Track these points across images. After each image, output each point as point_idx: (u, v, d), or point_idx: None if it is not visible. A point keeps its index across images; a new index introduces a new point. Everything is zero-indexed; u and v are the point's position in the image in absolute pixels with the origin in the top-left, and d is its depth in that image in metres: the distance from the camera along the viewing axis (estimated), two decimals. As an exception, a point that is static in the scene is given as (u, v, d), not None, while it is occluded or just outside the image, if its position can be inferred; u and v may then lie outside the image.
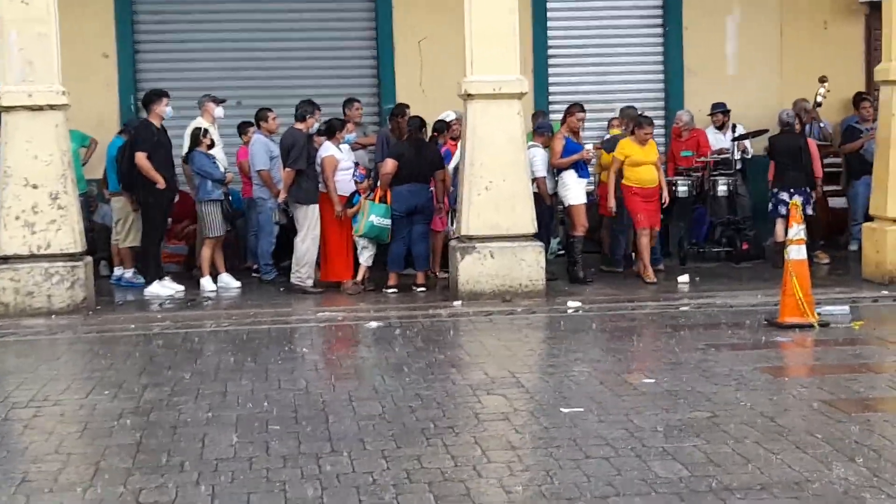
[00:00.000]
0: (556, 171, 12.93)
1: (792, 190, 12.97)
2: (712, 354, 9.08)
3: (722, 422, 7.01)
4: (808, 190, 13.17)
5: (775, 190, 13.23)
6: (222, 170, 12.84)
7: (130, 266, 13.32)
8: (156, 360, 9.42)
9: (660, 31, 15.84)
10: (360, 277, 12.65)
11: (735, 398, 7.60)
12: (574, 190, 12.78)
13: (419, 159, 12.47)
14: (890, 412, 7.41)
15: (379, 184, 12.53)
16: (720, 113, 14.90)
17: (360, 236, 12.49)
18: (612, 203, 12.77)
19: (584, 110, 13.27)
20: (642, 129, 12.68)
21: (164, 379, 8.63)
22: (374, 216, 12.36)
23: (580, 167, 12.83)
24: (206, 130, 12.87)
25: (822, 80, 14.15)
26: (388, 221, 12.39)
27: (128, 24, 15.04)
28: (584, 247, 13.03)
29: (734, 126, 14.87)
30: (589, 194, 13.27)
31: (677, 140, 14.71)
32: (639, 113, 13.45)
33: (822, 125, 14.83)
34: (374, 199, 12.43)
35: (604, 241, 13.99)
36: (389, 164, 12.42)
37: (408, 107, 13.87)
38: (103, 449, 6.77)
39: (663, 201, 12.82)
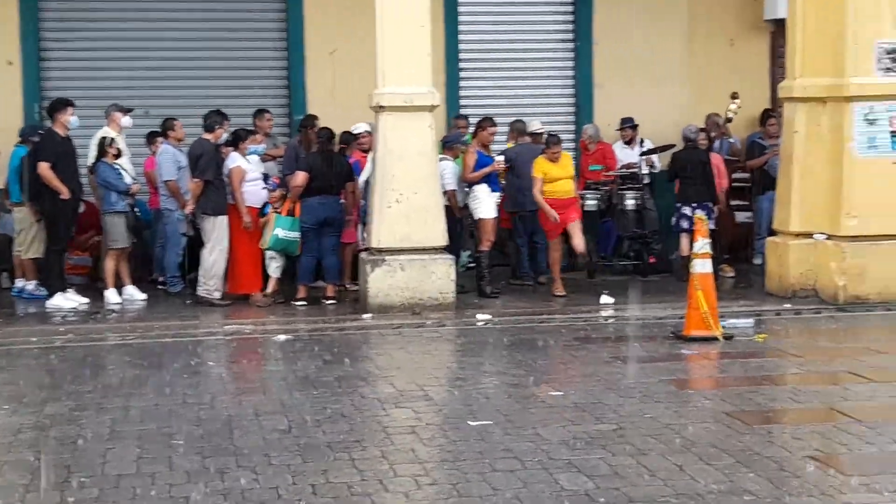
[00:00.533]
0: (467, 184, 12.95)
1: (695, 204, 13.15)
2: (619, 367, 9.16)
3: (627, 434, 7.07)
4: (711, 205, 13.35)
5: (678, 204, 13.41)
6: (129, 180, 12.66)
7: (33, 278, 13.06)
8: (57, 374, 9.25)
9: (571, 45, 15.96)
10: (270, 290, 12.56)
11: (640, 410, 7.67)
12: (485, 203, 12.82)
13: (330, 171, 12.42)
14: (791, 424, 7.52)
15: (289, 196, 12.44)
16: (628, 128, 15.07)
17: (267, 249, 12.40)
18: (553, 214, 12.70)
19: (495, 124, 13.32)
20: (550, 150, 12.74)
21: (65, 393, 8.47)
22: (279, 229, 12.27)
23: (492, 181, 12.87)
24: (112, 140, 12.68)
25: (734, 96, 14.38)
26: (295, 234, 12.31)
27: (33, 31, 14.75)
28: (495, 260, 13.07)
29: (642, 141, 15.04)
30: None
31: (585, 153, 14.85)
32: (543, 131, 13.58)
33: (731, 141, 15.07)
34: (281, 212, 12.34)
35: (511, 255, 14.05)
36: (300, 177, 12.34)
37: (317, 118, 13.78)
38: (1, 465, 6.62)
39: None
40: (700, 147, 13.70)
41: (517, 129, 14.04)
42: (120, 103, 13.38)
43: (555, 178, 12.74)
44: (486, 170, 12.74)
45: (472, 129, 14.22)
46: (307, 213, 12.31)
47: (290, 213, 12.34)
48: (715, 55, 15.76)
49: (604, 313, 11.79)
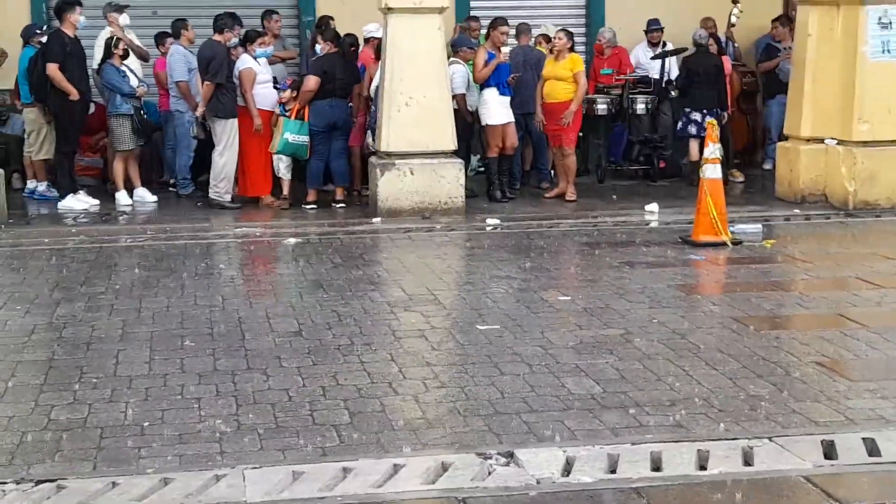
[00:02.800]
0: (479, 87, 12.81)
1: (705, 110, 13.04)
2: (627, 272, 9.19)
3: (634, 339, 7.13)
4: (720, 111, 13.24)
5: (687, 109, 13.27)
6: (135, 82, 12.58)
7: (44, 179, 13.07)
8: (69, 276, 9.30)
9: (582, -55, 15.73)
10: (285, 192, 12.56)
11: (648, 315, 7.72)
12: (493, 109, 12.61)
13: (341, 75, 12.33)
14: (798, 329, 7.58)
15: (298, 99, 12.38)
16: (656, 30, 14.89)
17: (276, 153, 12.38)
18: (539, 116, 12.67)
19: (507, 24, 13.13)
20: (496, 30, 12.59)
21: (77, 294, 8.54)
22: (288, 133, 12.23)
23: (501, 85, 12.70)
24: (117, 40, 12.58)
25: (735, 1, 14.17)
26: (304, 138, 12.26)
27: (39, -71, 14.57)
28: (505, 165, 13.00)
29: (664, 43, 14.86)
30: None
31: (599, 57, 14.71)
32: (561, 28, 13.34)
33: (735, 46, 14.89)
34: (290, 116, 12.29)
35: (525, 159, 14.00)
36: (311, 81, 12.25)
37: (332, 19, 13.66)
38: (15, 365, 6.71)
39: (566, 121, 12.69)
40: (711, 52, 13.55)
41: (521, 31, 13.82)
42: (116, 1, 13.23)
43: (546, 76, 12.63)
44: (492, 63, 12.44)
45: (484, 32, 14.08)
46: (316, 117, 12.25)
47: (300, 117, 12.28)
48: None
49: (613, 219, 11.74)
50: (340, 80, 12.31)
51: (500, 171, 12.82)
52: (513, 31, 13.44)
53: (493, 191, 12.73)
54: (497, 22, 12.92)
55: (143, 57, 13.31)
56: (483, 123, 12.76)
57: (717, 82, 13.30)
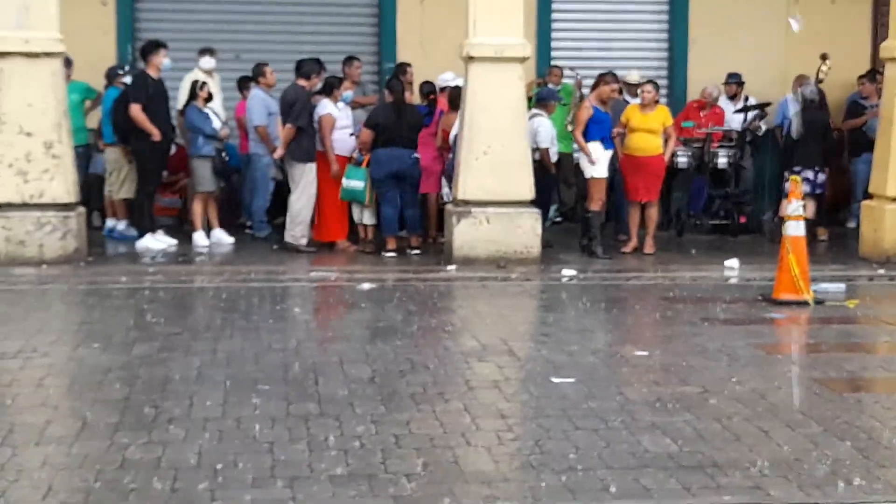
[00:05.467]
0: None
1: (816, 167, 12.82)
2: (706, 329, 9.04)
3: (713, 398, 6.98)
4: (820, 169, 12.99)
5: (798, 168, 12.73)
6: (217, 125, 12.74)
7: (123, 218, 13.25)
8: (146, 315, 9.35)
9: (665, -3, 15.70)
10: (369, 237, 12.58)
11: (727, 374, 7.56)
12: (598, 162, 12.38)
13: (400, 123, 12.29)
14: (881, 393, 7.37)
15: (360, 148, 12.41)
16: (734, 83, 14.78)
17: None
18: (588, 153, 12.37)
19: (617, 80, 13.03)
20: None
21: (154, 334, 8.58)
22: (344, 180, 12.27)
23: (606, 138, 12.43)
24: (203, 84, 12.76)
25: (824, 56, 14.00)
26: (358, 183, 12.23)
27: (128, -28, 14.88)
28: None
29: (746, 97, 14.75)
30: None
31: (695, 111, 14.54)
32: (648, 80, 13.24)
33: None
34: (363, 162, 12.31)
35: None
36: (364, 133, 12.29)
37: (409, 65, 13.77)
38: (91, 403, 6.73)
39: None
40: (821, 108, 13.30)
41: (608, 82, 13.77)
42: (208, 46, 13.47)
43: (633, 128, 12.52)
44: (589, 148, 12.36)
45: (566, 80, 14.07)
46: (376, 165, 12.23)
47: (359, 164, 12.30)
48: (816, 13, 15.35)
49: (692, 274, 11.58)
50: (398, 129, 12.27)
51: (593, 225, 12.52)
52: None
53: (595, 246, 12.37)
54: (607, 77, 12.71)
55: None
56: (587, 176, 12.49)
57: (826, 139, 13.08)
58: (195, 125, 12.62)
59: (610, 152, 12.46)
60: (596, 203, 12.46)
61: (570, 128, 12.72)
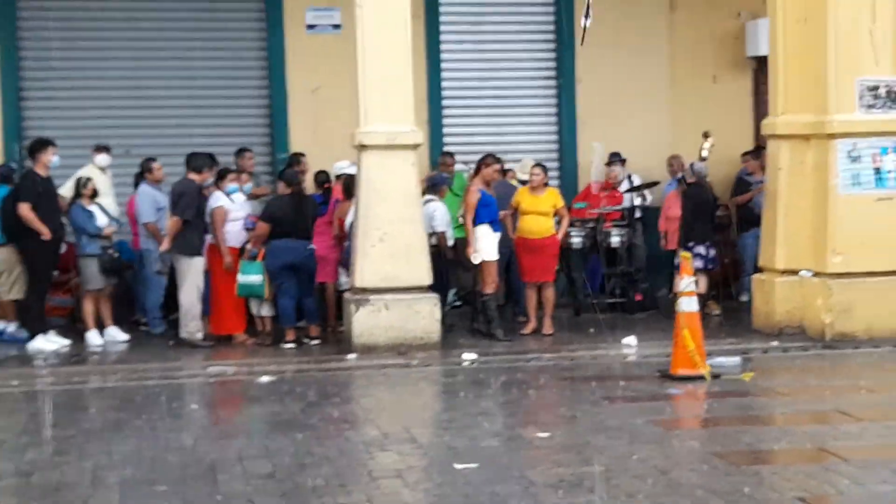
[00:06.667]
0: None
1: (708, 243, 13.08)
2: (606, 407, 9.09)
3: (615, 476, 7.00)
4: (711, 244, 13.25)
5: (691, 244, 12.96)
6: (102, 222, 12.53)
7: (14, 319, 12.94)
8: (38, 419, 9.16)
9: (554, 82, 15.97)
10: (267, 329, 12.44)
11: (628, 451, 7.60)
12: (490, 246, 12.46)
13: (297, 215, 12.28)
14: (780, 464, 7.47)
15: (252, 241, 12.33)
16: (615, 163, 15.04)
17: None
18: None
19: (499, 161, 13.18)
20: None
21: (46, 438, 8.38)
22: (240, 275, 12.18)
23: (495, 222, 12.51)
24: (87, 181, 12.63)
25: (706, 134, 14.31)
26: (255, 278, 12.13)
27: (13, 70, 14.68)
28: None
29: (629, 176, 15.02)
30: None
31: (603, 195, 14.66)
32: (536, 162, 13.42)
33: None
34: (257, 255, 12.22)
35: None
36: (261, 227, 12.22)
37: (303, 155, 13.78)
38: (-20, 513, 6.52)
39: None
40: (707, 185, 13.60)
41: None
42: (102, 143, 13.35)
43: (525, 210, 12.66)
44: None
45: (458, 167, 14.18)
46: (271, 257, 12.13)
47: (253, 258, 12.21)
48: (698, 92, 15.77)
49: (590, 352, 11.67)
50: (294, 221, 12.24)
51: (490, 308, 12.56)
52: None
53: (494, 329, 12.41)
54: (488, 159, 12.91)
55: None
56: (478, 261, 12.46)
57: (714, 215, 13.36)
58: (77, 224, 12.46)
59: (498, 234, 12.56)
60: (489, 286, 12.52)
61: (461, 220, 12.81)
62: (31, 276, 12.36)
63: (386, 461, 7.54)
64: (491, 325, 12.50)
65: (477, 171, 13.00)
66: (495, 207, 12.56)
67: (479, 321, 12.70)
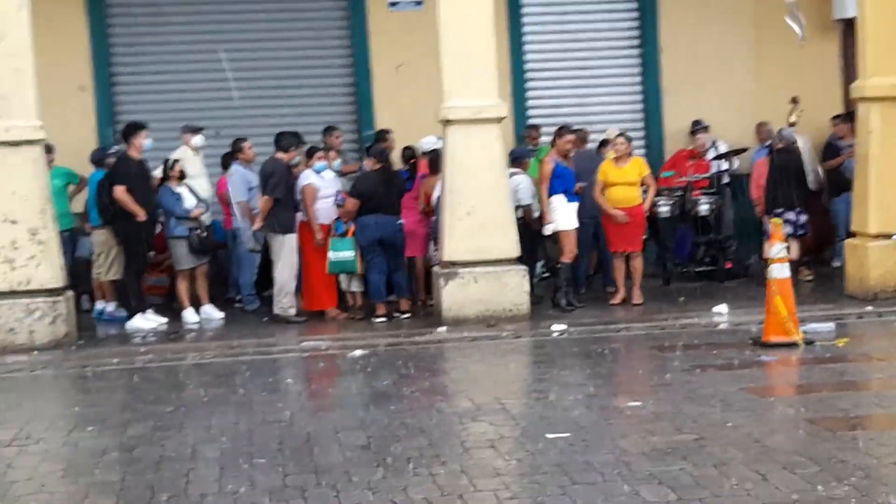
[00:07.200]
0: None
1: (798, 209, 12.96)
2: (697, 375, 9.06)
3: (708, 444, 6.99)
4: (801, 209, 13.13)
5: (780, 210, 12.98)
6: (190, 204, 12.73)
7: (112, 300, 13.24)
8: (139, 395, 9.35)
9: (637, 51, 15.88)
10: (358, 304, 12.58)
11: (721, 419, 7.58)
12: (564, 214, 12.52)
13: (386, 190, 12.39)
14: (876, 430, 7.39)
15: (342, 217, 12.46)
16: (699, 130, 14.92)
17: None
18: (618, 214, 12.55)
19: (573, 132, 13.17)
20: (562, 138, 12.62)
21: (147, 414, 8.56)
22: (331, 252, 12.31)
23: (569, 192, 12.55)
24: (174, 162, 12.86)
25: (795, 100, 14.16)
26: (347, 254, 12.26)
27: (104, 56, 15.00)
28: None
29: (714, 142, 14.89)
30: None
31: (682, 160, 14.59)
32: (620, 132, 13.37)
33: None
34: (347, 231, 12.35)
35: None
36: (350, 203, 12.34)
37: (389, 132, 13.87)
38: (87, 487, 6.71)
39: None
40: (796, 151, 13.46)
41: (578, 137, 13.89)
42: (194, 125, 13.58)
43: (611, 182, 12.63)
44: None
45: (543, 140, 14.16)
46: (361, 233, 12.27)
47: (343, 234, 12.33)
48: (784, 57, 15.53)
49: (681, 321, 11.61)
50: (383, 196, 12.36)
51: (562, 276, 12.71)
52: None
53: (559, 298, 12.54)
54: (562, 130, 12.88)
55: None
56: (555, 230, 12.56)
57: (803, 181, 13.20)
58: (166, 206, 12.69)
59: (575, 205, 12.54)
60: (567, 255, 12.54)
61: None
62: (127, 256, 12.62)
63: (478, 431, 7.61)
64: (557, 293, 12.53)
65: (552, 142, 13.00)
66: (570, 178, 12.54)
67: (559, 292, 12.73)
